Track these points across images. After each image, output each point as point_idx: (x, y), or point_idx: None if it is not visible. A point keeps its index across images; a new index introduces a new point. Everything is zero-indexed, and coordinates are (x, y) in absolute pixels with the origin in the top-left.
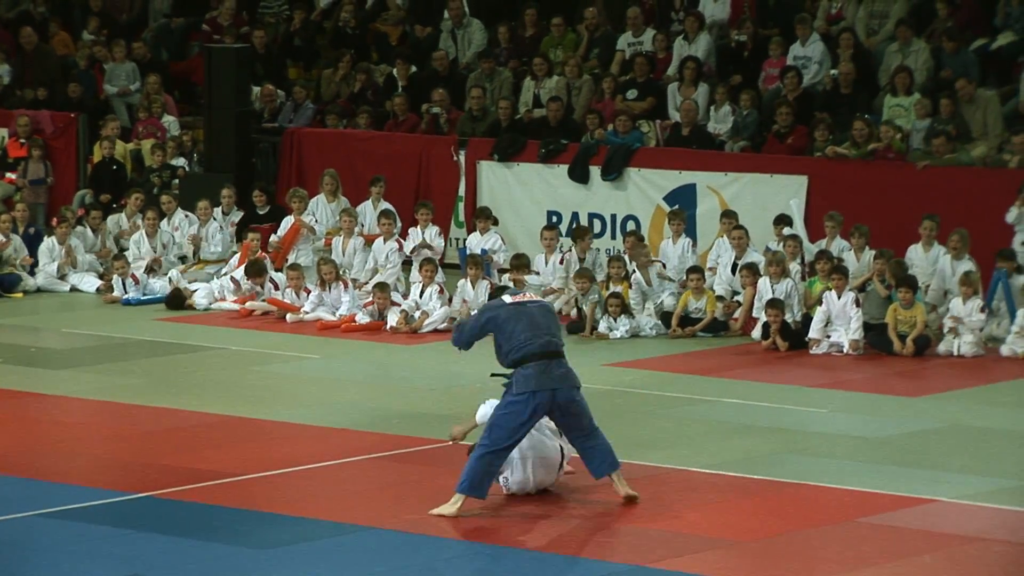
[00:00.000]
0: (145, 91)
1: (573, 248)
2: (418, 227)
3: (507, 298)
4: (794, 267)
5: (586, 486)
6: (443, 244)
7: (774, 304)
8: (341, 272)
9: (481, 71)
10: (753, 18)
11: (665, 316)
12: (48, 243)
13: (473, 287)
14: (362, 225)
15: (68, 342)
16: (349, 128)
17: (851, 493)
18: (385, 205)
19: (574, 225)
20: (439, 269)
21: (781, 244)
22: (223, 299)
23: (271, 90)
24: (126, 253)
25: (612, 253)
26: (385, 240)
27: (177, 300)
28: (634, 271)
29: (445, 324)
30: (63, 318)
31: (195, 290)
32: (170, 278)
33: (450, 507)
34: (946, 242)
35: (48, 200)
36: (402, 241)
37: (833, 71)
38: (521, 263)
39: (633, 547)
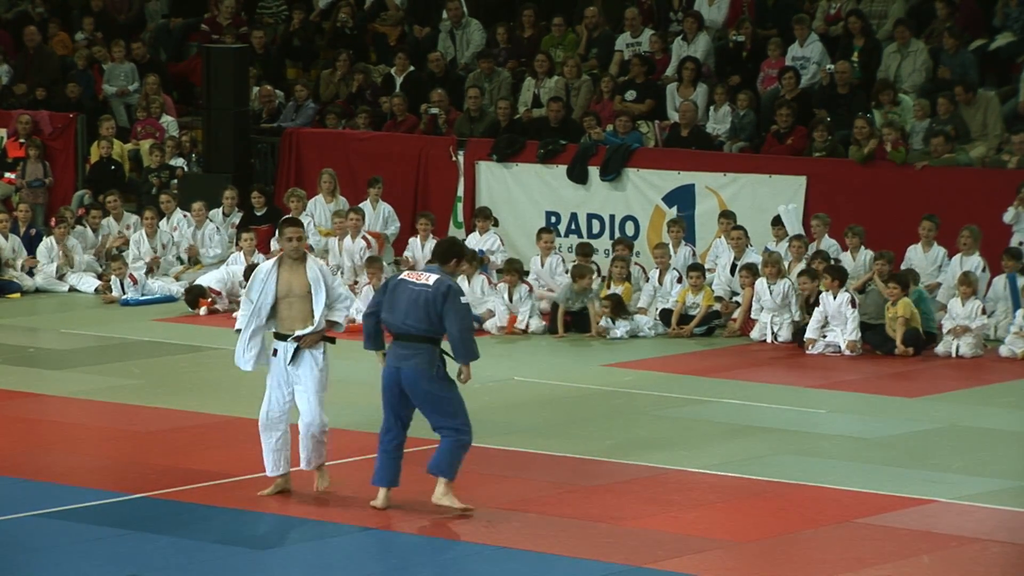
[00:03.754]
0: (144, 91)
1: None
2: (417, 238)
3: (405, 275)
4: (800, 267)
5: (585, 487)
6: None
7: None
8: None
9: (480, 71)
10: (751, 19)
11: (665, 314)
12: (47, 243)
13: (469, 283)
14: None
15: (67, 343)
16: (348, 128)
17: (850, 494)
18: (383, 206)
19: (573, 226)
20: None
21: (778, 244)
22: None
23: (270, 90)
24: (124, 253)
25: (610, 254)
26: (352, 238)
27: (194, 295)
28: (656, 269)
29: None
30: (62, 318)
31: (214, 296)
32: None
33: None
34: (956, 239)
35: (47, 200)
36: (369, 239)
37: (829, 67)
38: (513, 267)
39: (632, 548)
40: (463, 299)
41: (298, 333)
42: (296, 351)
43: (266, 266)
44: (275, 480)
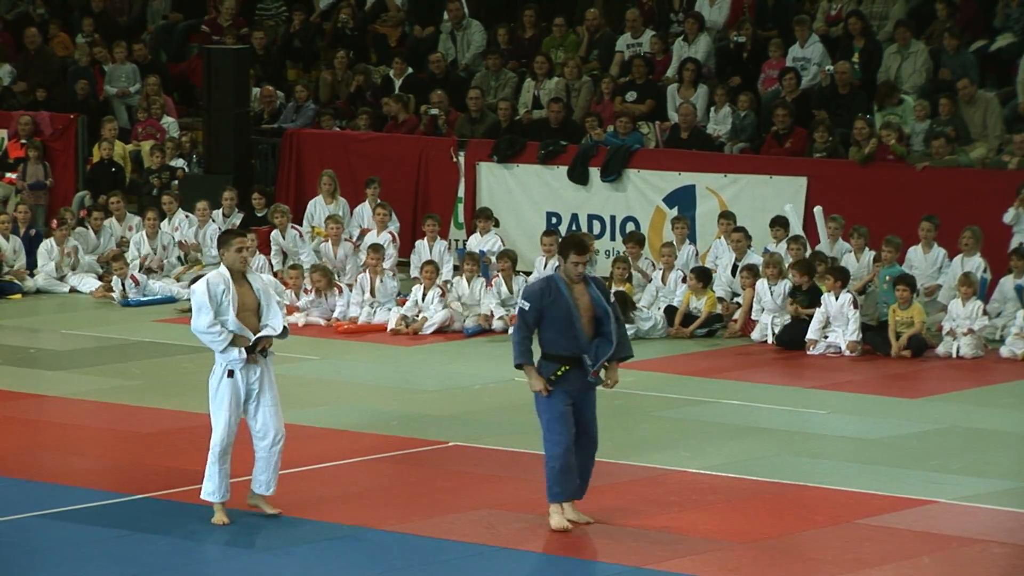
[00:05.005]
0: (144, 92)
1: None
2: (425, 240)
3: None
4: None
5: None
6: (452, 261)
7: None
8: (336, 277)
9: (487, 69)
10: (752, 19)
11: (669, 310)
12: (47, 244)
13: (468, 284)
14: (359, 226)
15: (67, 343)
16: (348, 129)
17: (850, 494)
18: None
19: (574, 227)
20: (439, 271)
21: (777, 245)
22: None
23: (270, 91)
24: (125, 254)
25: (611, 255)
26: (379, 232)
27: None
28: (660, 268)
29: (454, 325)
30: (62, 319)
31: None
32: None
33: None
34: (958, 240)
35: (48, 201)
36: (394, 233)
37: (829, 67)
38: (508, 256)
39: (633, 548)
40: (522, 302)
41: (257, 337)
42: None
43: (219, 280)
44: (223, 506)
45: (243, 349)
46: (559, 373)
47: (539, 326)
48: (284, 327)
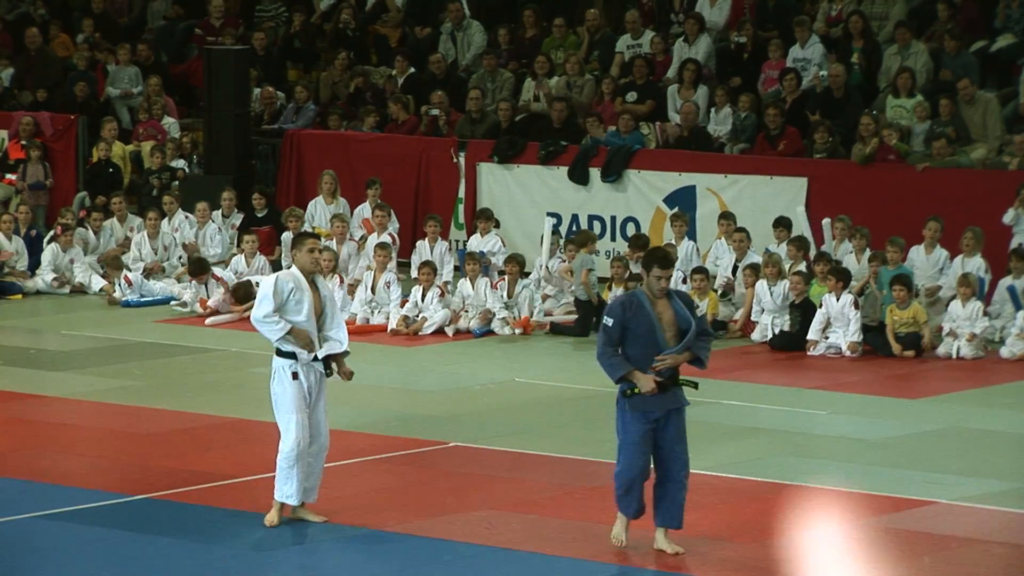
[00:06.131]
0: (146, 93)
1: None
2: (426, 240)
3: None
4: (798, 269)
5: (585, 488)
6: (452, 262)
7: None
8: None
9: (484, 70)
10: (752, 20)
11: None
12: (53, 248)
13: (472, 285)
14: (360, 224)
15: (68, 344)
16: (349, 130)
17: (851, 495)
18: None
19: (575, 228)
20: (437, 272)
21: (779, 246)
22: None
23: (271, 92)
24: (124, 256)
25: (612, 255)
26: (379, 235)
27: (200, 266)
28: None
29: (450, 327)
30: (63, 320)
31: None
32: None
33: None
34: (958, 241)
35: (48, 202)
36: (395, 235)
37: (822, 72)
38: (516, 260)
39: (633, 548)
40: (605, 319)
41: (326, 353)
42: (323, 371)
43: (289, 278)
44: (287, 508)
45: (306, 351)
46: (636, 390)
47: (622, 343)
48: (346, 347)
